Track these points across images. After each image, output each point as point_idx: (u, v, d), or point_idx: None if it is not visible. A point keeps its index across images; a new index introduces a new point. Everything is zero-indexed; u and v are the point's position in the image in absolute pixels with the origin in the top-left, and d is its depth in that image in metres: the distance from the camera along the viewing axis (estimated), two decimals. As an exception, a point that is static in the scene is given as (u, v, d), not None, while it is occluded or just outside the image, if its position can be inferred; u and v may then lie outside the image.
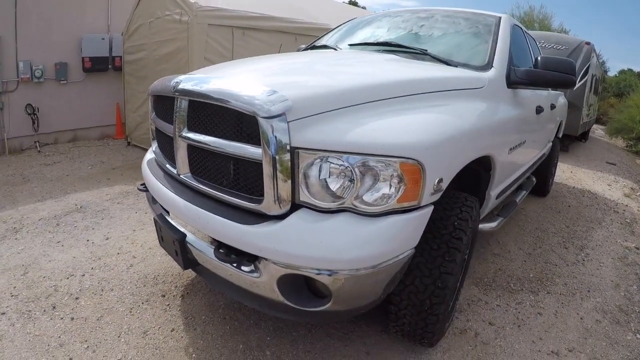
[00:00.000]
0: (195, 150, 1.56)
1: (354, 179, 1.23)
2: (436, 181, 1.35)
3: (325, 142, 1.22)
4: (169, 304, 2.16)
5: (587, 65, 7.78)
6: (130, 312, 2.07)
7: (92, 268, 2.47)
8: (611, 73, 29.61)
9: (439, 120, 1.50)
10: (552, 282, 2.73)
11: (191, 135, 1.52)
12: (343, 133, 1.25)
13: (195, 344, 1.85)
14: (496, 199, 2.38)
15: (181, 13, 3.87)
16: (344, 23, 3.34)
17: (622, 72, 32.65)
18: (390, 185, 1.24)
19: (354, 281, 1.22)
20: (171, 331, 1.94)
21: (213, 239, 1.45)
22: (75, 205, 3.43)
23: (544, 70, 2.17)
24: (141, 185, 2.12)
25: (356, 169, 1.22)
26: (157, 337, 1.89)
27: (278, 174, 1.22)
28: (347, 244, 1.19)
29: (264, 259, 1.25)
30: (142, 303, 2.15)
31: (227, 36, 4.01)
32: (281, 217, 1.27)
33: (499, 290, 2.54)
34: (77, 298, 2.16)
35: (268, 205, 1.27)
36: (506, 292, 2.53)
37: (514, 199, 3.02)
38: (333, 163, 1.23)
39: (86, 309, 2.07)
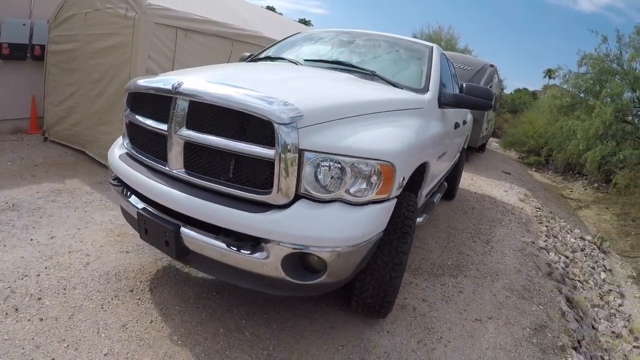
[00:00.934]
0: (192, 148, 1.77)
1: (345, 176, 1.59)
2: (401, 179, 1.78)
3: (325, 146, 1.58)
4: (139, 298, 2.27)
5: (490, 85, 9.16)
6: (102, 308, 2.14)
7: (46, 267, 2.44)
8: (507, 91, 34.44)
9: (401, 133, 1.93)
10: (466, 268, 3.39)
11: (191, 133, 1.73)
12: (339, 140, 1.62)
13: (177, 332, 2.02)
14: (425, 197, 2.93)
15: (127, 8, 3.82)
16: (290, 37, 3.70)
17: (517, 90, 38.27)
18: (371, 181, 1.63)
19: (345, 257, 1.58)
20: (150, 322, 2.07)
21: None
22: (6, 203, 3.23)
23: (468, 96, 2.75)
24: (113, 179, 2.22)
25: (348, 168, 1.59)
26: (138, 329, 2.02)
27: (288, 170, 1.53)
28: (342, 226, 1.56)
29: (272, 241, 1.54)
30: (112, 299, 2.23)
31: (171, 37, 4.05)
32: (283, 206, 1.57)
33: (425, 275, 3.10)
34: (39, 298, 2.15)
35: (275, 196, 1.57)
36: (431, 276, 3.10)
37: (432, 200, 3.65)
38: (331, 162, 1.58)
39: (53, 309, 2.08)
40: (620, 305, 4.26)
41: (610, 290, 4.62)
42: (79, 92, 4.55)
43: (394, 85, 2.64)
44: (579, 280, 4.25)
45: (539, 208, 7.09)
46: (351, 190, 1.62)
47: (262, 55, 3.32)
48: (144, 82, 2.03)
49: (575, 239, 6.67)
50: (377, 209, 1.67)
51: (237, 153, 1.64)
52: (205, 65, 2.90)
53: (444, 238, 4.00)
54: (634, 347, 3.13)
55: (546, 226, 5.98)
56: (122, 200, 2.14)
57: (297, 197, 1.61)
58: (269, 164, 1.59)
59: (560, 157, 14.84)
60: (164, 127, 1.85)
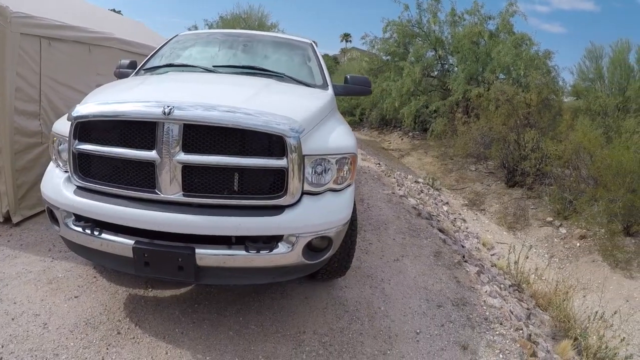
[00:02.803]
0: (191, 171, 1.96)
1: (332, 170, 2.15)
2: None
3: (316, 149, 2.09)
4: (133, 337, 2.37)
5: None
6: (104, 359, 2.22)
7: (2, 346, 2.26)
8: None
9: (347, 129, 2.56)
10: (361, 225, 4.39)
11: (191, 157, 1.93)
12: (322, 142, 2.15)
13: (197, 350, 2.27)
14: None
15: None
16: (171, 41, 3.83)
17: (323, 55, 42.66)
18: (348, 171, 2.24)
19: (341, 232, 2.21)
20: (166, 353, 2.25)
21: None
22: None
23: (353, 85, 3.46)
24: (76, 221, 2.16)
25: (334, 163, 2.16)
26: (159, 361, 2.20)
27: (297, 174, 2.00)
28: (338, 209, 2.17)
29: (293, 234, 2.01)
30: (107, 348, 2.27)
31: (36, 47, 3.65)
32: (291, 205, 2.03)
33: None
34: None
35: (288, 198, 2.02)
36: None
37: None
38: (323, 161, 2.12)
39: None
40: (467, 227, 6.08)
41: (456, 218, 6.47)
42: None
43: (305, 84, 3.12)
44: (435, 215, 5.85)
45: (378, 164, 8.89)
46: (336, 181, 2.21)
47: (161, 64, 3.39)
48: (106, 108, 2.08)
49: (412, 183, 8.72)
50: (351, 190, 2.32)
51: (243, 167, 1.96)
52: (134, 80, 2.90)
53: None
54: (492, 255, 4.74)
55: (395, 178, 7.66)
56: (92, 241, 2.13)
57: (301, 194, 2.09)
58: (277, 171, 2.01)
59: (374, 115, 17.98)
60: (150, 154, 1.97)
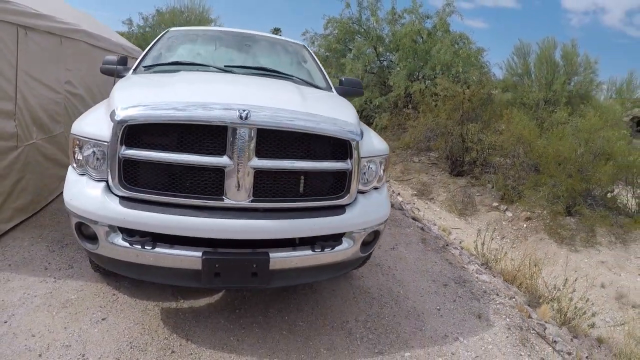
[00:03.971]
0: (261, 175, 2.04)
1: (377, 170, 2.44)
2: None
3: (368, 151, 2.34)
4: (191, 353, 2.30)
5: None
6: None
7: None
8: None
9: (373, 132, 2.82)
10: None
11: (265, 162, 2.01)
12: (370, 145, 2.40)
13: (260, 353, 2.34)
14: None
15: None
16: (165, 37, 3.75)
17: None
18: (384, 170, 2.53)
19: (384, 226, 2.52)
20: None
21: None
22: None
23: (348, 87, 3.64)
24: (129, 236, 2.02)
25: (379, 164, 2.45)
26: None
27: (357, 175, 2.24)
28: (384, 205, 2.47)
29: (355, 231, 2.26)
30: None
31: (13, 37, 3.36)
32: (350, 204, 2.28)
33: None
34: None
35: (348, 198, 2.26)
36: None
37: None
38: (371, 163, 2.39)
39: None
40: (423, 216, 6.66)
41: (411, 207, 7.04)
42: None
43: (315, 86, 3.33)
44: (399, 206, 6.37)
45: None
46: (379, 179, 2.49)
47: (163, 61, 3.35)
48: (165, 111, 2.00)
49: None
50: (386, 188, 2.64)
51: (309, 170, 2.13)
52: (157, 79, 2.86)
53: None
54: (454, 238, 5.32)
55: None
56: (144, 256, 2.04)
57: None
58: (339, 173, 2.22)
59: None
60: (220, 159, 1.98)
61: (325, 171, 2.22)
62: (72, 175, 2.31)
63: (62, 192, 3.98)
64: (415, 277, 3.46)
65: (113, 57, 3.34)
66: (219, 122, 1.97)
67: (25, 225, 3.61)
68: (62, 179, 4.08)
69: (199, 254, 2.02)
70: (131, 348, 2.29)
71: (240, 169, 2.00)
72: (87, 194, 2.14)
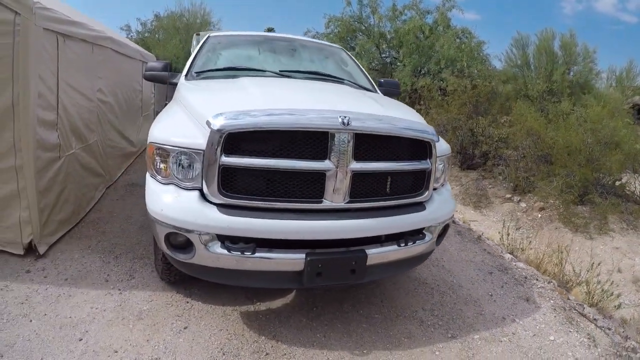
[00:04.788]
0: (357, 178, 2.20)
1: (445, 168, 2.78)
2: None
3: (439, 151, 2.61)
4: (285, 354, 2.43)
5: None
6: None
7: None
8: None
9: None
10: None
11: (363, 165, 2.19)
12: (440, 145, 2.65)
13: (349, 347, 2.53)
14: None
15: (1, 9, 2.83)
16: (212, 44, 3.86)
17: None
18: (445, 169, 2.85)
19: (452, 219, 2.88)
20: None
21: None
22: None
23: (387, 87, 3.94)
24: (232, 243, 2.10)
25: (446, 162, 2.77)
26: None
27: (434, 173, 2.54)
28: (452, 200, 2.82)
29: (432, 225, 2.58)
30: None
31: (54, 45, 3.38)
32: (427, 200, 2.60)
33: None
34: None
35: (427, 195, 2.57)
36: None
37: None
38: (440, 162, 2.70)
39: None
40: None
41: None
42: None
43: (365, 88, 3.64)
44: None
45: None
46: (446, 177, 2.84)
47: (215, 67, 3.54)
48: (269, 118, 2.07)
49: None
50: (448, 184, 2.98)
51: (395, 171, 2.36)
52: (227, 85, 2.95)
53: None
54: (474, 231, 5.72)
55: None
56: (244, 262, 2.13)
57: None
58: (419, 172, 2.47)
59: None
60: (323, 164, 2.13)
61: (409, 171, 2.46)
62: (155, 185, 2.31)
63: (97, 202, 4.26)
64: (462, 267, 3.86)
65: (157, 64, 3.44)
66: (325, 128, 2.10)
67: (69, 237, 3.64)
68: (97, 188, 4.30)
69: (302, 255, 2.15)
70: (224, 354, 2.35)
71: (340, 172, 2.17)
72: (181, 203, 2.15)
